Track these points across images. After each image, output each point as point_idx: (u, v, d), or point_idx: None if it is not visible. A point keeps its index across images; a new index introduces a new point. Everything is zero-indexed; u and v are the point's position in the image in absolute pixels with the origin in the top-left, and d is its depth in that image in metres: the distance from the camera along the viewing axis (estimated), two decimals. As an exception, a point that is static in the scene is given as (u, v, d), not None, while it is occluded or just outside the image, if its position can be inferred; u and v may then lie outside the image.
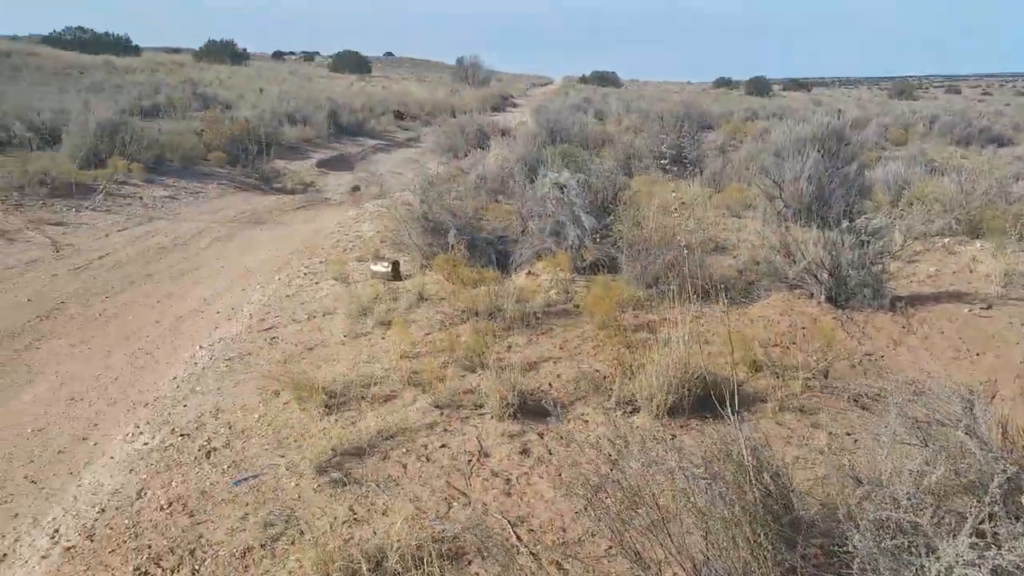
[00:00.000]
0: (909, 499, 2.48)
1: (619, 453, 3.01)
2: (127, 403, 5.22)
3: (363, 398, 4.81)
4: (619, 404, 4.55)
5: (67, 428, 4.89)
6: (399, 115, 28.71)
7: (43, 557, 3.49)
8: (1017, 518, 2.31)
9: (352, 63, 56.86)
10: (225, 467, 4.13)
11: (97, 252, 9.09)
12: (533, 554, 3.23)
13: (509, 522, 3.49)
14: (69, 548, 3.51)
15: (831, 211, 8.72)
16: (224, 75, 36.11)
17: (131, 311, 7.10)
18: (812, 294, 6.29)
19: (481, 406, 4.63)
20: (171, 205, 12.15)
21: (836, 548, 2.53)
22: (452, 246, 7.28)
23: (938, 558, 2.20)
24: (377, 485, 3.82)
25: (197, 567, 3.30)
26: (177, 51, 52.85)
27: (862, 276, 6.09)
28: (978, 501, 2.40)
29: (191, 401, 5.04)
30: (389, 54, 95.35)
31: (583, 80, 68.02)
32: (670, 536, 2.65)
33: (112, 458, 4.40)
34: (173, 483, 4.00)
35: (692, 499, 2.60)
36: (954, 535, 2.23)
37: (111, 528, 3.64)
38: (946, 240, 8.09)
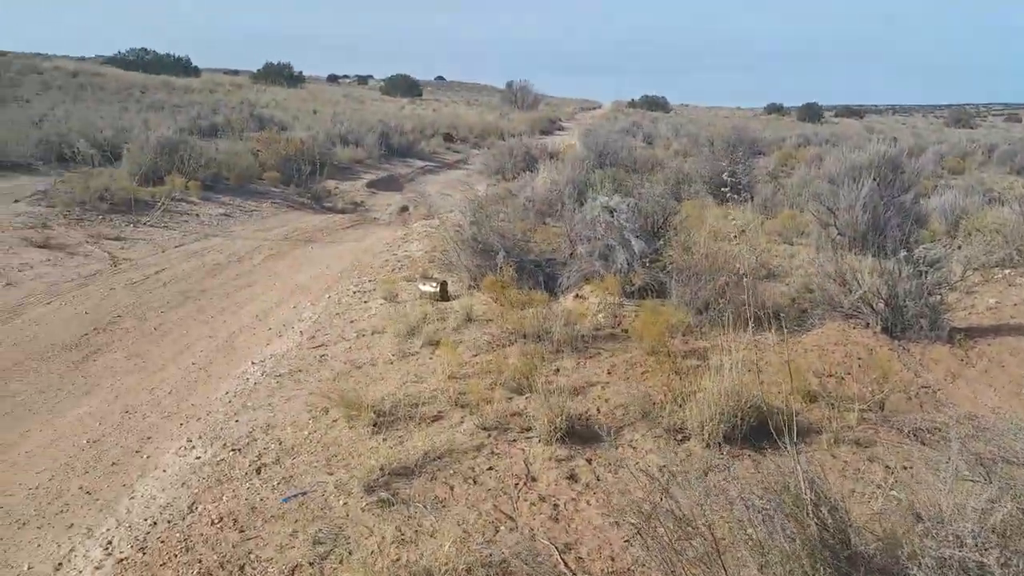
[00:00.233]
0: (974, 537, 2.39)
1: (672, 480, 2.96)
2: (180, 417, 5.30)
3: (411, 418, 4.82)
4: (669, 431, 4.49)
5: (121, 440, 4.97)
6: (449, 137, 29.00)
7: (96, 568, 3.54)
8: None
9: (404, 86, 57.66)
10: (275, 483, 4.16)
11: (154, 267, 9.29)
12: (581, 582, 3.19)
13: (557, 548, 3.45)
14: (122, 560, 3.57)
15: (887, 240, 8.56)
16: (280, 97, 36.88)
17: (186, 326, 7.23)
18: (867, 324, 6.16)
19: (529, 429, 4.60)
20: (226, 222, 12.39)
21: (896, 586, 2.46)
22: (500, 267, 7.29)
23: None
24: (425, 506, 3.82)
25: (246, 582, 3.32)
26: (236, 73, 54.09)
27: (919, 307, 5.95)
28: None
29: (243, 416, 5.10)
30: (440, 78, 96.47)
31: (632, 104, 68.02)
32: (724, 568, 2.59)
33: (165, 471, 4.47)
34: (224, 498, 4.05)
35: (749, 530, 2.54)
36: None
37: (163, 541, 3.69)
38: (1007, 272, 7.88)
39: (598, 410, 4.89)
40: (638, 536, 3.19)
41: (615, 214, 7.40)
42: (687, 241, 7.07)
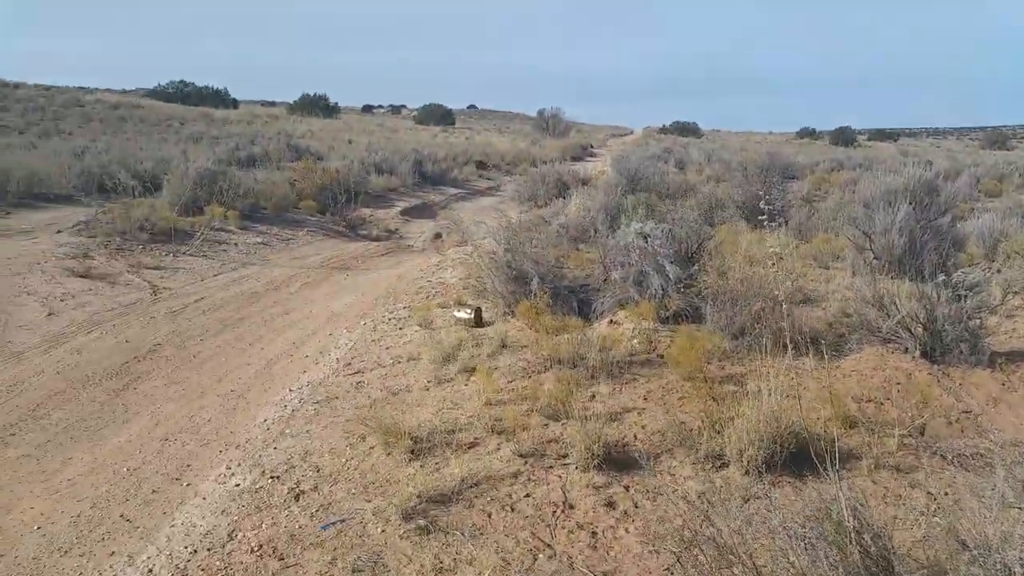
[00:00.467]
0: (1022, 566, 2.35)
1: (713, 508, 2.95)
2: (219, 444, 5.36)
3: (447, 444, 4.83)
4: (707, 458, 4.45)
5: (161, 468, 5.05)
6: (481, 165, 29.22)
7: (140, 593, 3.59)
8: None
9: (436, 115, 58.33)
10: (313, 510, 4.19)
11: (193, 296, 9.45)
12: (621, 610, 3.17)
13: (596, 576, 3.44)
14: (164, 586, 3.61)
15: (924, 263, 8.46)
16: (316, 127, 37.53)
17: (224, 353, 7.33)
18: (906, 349, 6.08)
19: (565, 456, 4.59)
20: (263, 251, 12.57)
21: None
22: (535, 293, 7.31)
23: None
24: (463, 534, 3.82)
25: (286, 609, 3.35)
26: (272, 104, 55.11)
27: (959, 331, 5.86)
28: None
29: (281, 443, 5.15)
30: (472, 106, 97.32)
31: (663, 130, 68.11)
32: (766, 597, 2.57)
33: (204, 499, 4.52)
34: (263, 525, 4.08)
35: (792, 558, 2.52)
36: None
37: (203, 569, 3.73)
38: (1049, 295, 7.73)
39: (635, 436, 4.87)
40: (678, 564, 3.17)
41: (649, 240, 7.40)
42: (721, 266, 7.04)
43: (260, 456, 4.99)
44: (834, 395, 5.10)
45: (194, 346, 7.55)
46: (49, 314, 8.19)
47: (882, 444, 4.62)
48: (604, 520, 3.93)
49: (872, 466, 4.36)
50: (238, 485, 4.61)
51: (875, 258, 9.04)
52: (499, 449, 4.75)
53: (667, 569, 3.41)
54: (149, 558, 3.93)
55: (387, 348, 7.12)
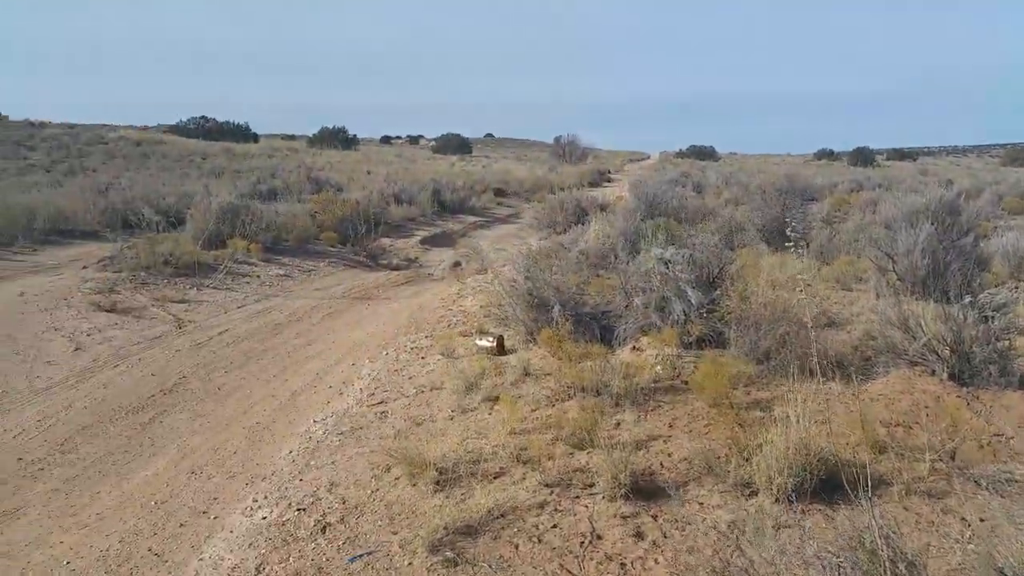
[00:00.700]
0: (1064, 596, 2.31)
1: (744, 537, 2.91)
2: (245, 477, 5.38)
3: (473, 475, 4.81)
4: (736, 486, 4.41)
5: (188, 501, 5.07)
6: (500, 192, 29.37)
7: (169, 628, 3.59)
8: None
9: (454, 144, 58.81)
10: (340, 543, 4.19)
11: (217, 328, 9.53)
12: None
13: (626, 607, 3.40)
14: (194, 620, 3.61)
15: (948, 284, 8.38)
16: (335, 159, 37.92)
17: (249, 385, 7.38)
18: (933, 371, 6.00)
19: (592, 485, 4.56)
20: (285, 283, 12.67)
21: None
22: (557, 321, 7.30)
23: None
24: (490, 566, 3.80)
25: (315, 643, 3.33)
26: (292, 137, 55.70)
27: (987, 352, 5.79)
28: None
29: (306, 475, 5.16)
30: (489, 135, 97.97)
31: (680, 154, 68.20)
32: (801, 628, 2.53)
33: (232, 532, 4.52)
34: (291, 558, 4.08)
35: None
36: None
37: (233, 602, 3.73)
38: (1079, 314, 7.62)
39: (662, 465, 4.83)
40: (709, 595, 3.13)
41: (670, 265, 7.38)
42: (744, 291, 7.01)
43: (286, 488, 4.99)
44: (864, 420, 5.04)
45: (219, 378, 7.60)
46: (76, 349, 8.28)
47: (913, 469, 4.55)
48: (633, 551, 3.89)
49: (903, 492, 4.30)
50: (265, 518, 4.61)
51: (898, 279, 8.97)
52: (525, 479, 4.72)
53: (698, 600, 3.37)
54: (178, 593, 3.94)
55: (410, 378, 7.13)
